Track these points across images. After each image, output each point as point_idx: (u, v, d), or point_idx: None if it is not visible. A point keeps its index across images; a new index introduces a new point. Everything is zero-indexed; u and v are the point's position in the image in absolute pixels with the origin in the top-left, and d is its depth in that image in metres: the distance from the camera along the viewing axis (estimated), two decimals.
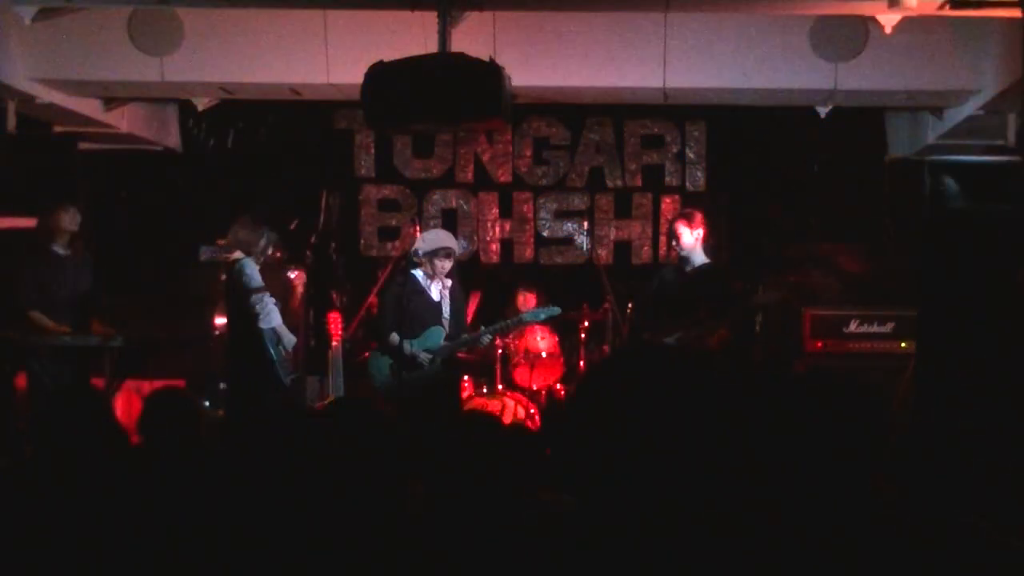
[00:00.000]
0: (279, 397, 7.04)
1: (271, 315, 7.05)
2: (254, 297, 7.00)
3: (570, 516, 1.76)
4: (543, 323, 7.87)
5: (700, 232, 7.21)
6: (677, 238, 7.26)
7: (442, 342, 7.17)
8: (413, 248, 7.34)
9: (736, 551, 1.71)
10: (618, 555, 1.65)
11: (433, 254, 7.12)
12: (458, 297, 7.36)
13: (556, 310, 7.57)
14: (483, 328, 7.48)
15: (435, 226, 9.43)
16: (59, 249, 7.04)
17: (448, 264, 7.17)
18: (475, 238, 9.55)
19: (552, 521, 1.96)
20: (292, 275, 7.37)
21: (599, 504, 1.67)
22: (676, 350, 1.83)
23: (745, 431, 1.87)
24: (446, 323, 7.22)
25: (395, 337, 6.99)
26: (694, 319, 7.12)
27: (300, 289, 7.38)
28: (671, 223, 7.60)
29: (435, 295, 7.20)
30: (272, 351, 7.05)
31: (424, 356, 7.07)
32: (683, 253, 7.23)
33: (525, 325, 7.77)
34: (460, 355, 7.62)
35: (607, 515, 1.66)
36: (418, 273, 7.19)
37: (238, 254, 7.16)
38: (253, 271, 7.07)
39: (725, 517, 1.72)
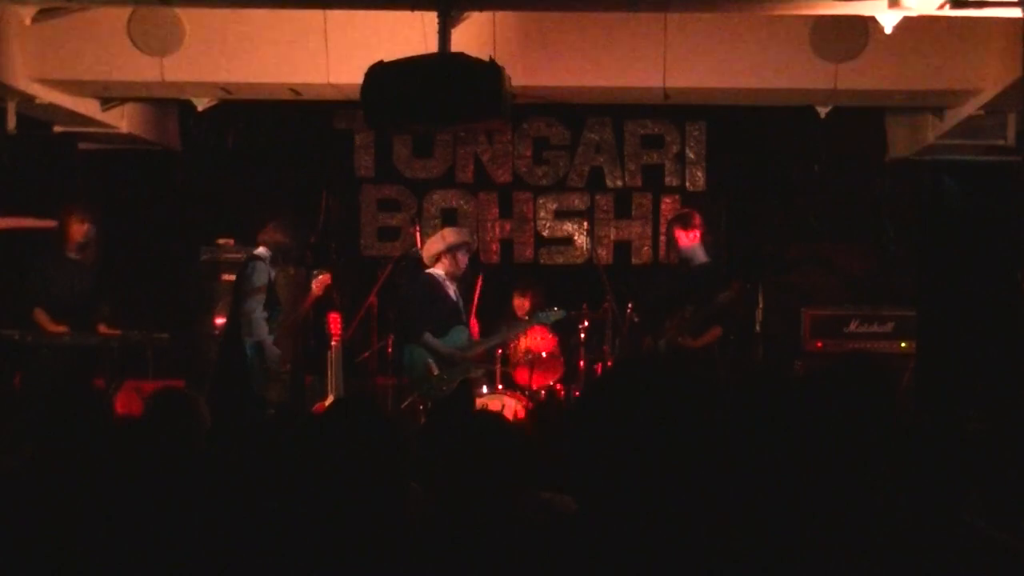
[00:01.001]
0: (250, 410, 6.95)
1: (258, 328, 6.96)
2: (249, 303, 6.92)
3: (570, 516, 1.76)
4: (552, 325, 7.91)
5: (696, 233, 7.28)
6: (675, 241, 7.33)
7: (467, 341, 7.23)
8: (422, 249, 7.33)
9: (737, 552, 1.72)
10: (619, 556, 1.65)
11: (456, 249, 7.16)
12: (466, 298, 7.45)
13: (563, 313, 7.63)
14: (504, 329, 7.62)
15: (436, 226, 9.45)
16: (69, 253, 7.14)
17: (466, 260, 7.20)
18: (475, 238, 9.54)
19: (553, 521, 1.96)
20: (315, 277, 7.32)
21: (601, 506, 1.67)
22: (675, 357, 1.83)
23: (740, 434, 1.87)
24: (466, 322, 7.29)
25: (429, 337, 7.03)
26: (681, 319, 7.17)
27: (317, 292, 7.34)
28: (668, 227, 7.65)
29: (453, 295, 7.23)
30: (249, 363, 6.94)
31: (460, 355, 7.13)
32: (683, 255, 7.29)
33: (538, 325, 7.82)
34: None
35: (608, 517, 1.66)
36: (437, 273, 7.20)
37: (262, 250, 7.02)
38: (261, 274, 6.98)
39: (726, 519, 1.73)
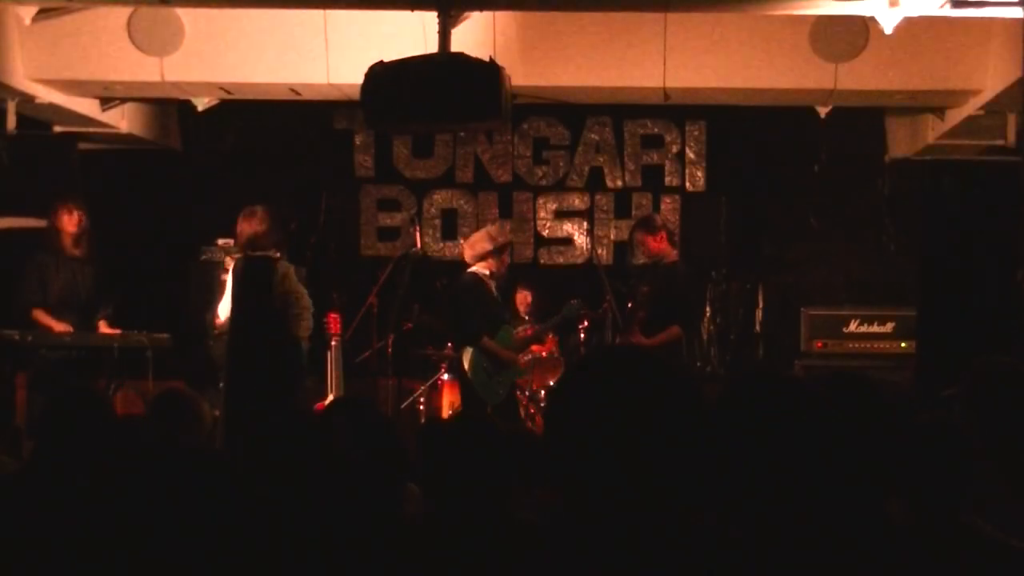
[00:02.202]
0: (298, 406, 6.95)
1: (310, 323, 6.88)
2: (304, 299, 6.79)
3: (564, 516, 1.76)
4: (581, 317, 7.96)
5: (663, 234, 7.35)
6: (645, 247, 7.36)
7: (513, 340, 7.34)
8: (464, 247, 7.45)
9: (735, 551, 1.72)
10: (610, 556, 1.65)
11: (503, 249, 7.19)
12: None
13: (582, 304, 7.73)
14: (542, 324, 7.77)
15: (436, 226, 9.48)
16: (65, 249, 7.06)
17: (509, 259, 7.30)
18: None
19: (553, 522, 1.96)
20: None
21: (585, 505, 1.66)
22: (639, 353, 1.83)
23: (736, 433, 1.87)
24: (510, 320, 7.43)
25: (487, 340, 7.08)
26: (635, 318, 7.24)
27: None
28: (631, 235, 7.68)
29: (496, 293, 7.29)
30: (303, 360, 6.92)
31: (512, 357, 7.24)
32: (653, 258, 7.34)
33: (570, 318, 7.88)
34: None
35: (593, 516, 1.66)
36: (481, 272, 7.20)
37: (253, 251, 6.90)
38: (286, 267, 6.89)
39: (724, 518, 1.72)
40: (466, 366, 7.14)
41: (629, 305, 7.85)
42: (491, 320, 7.16)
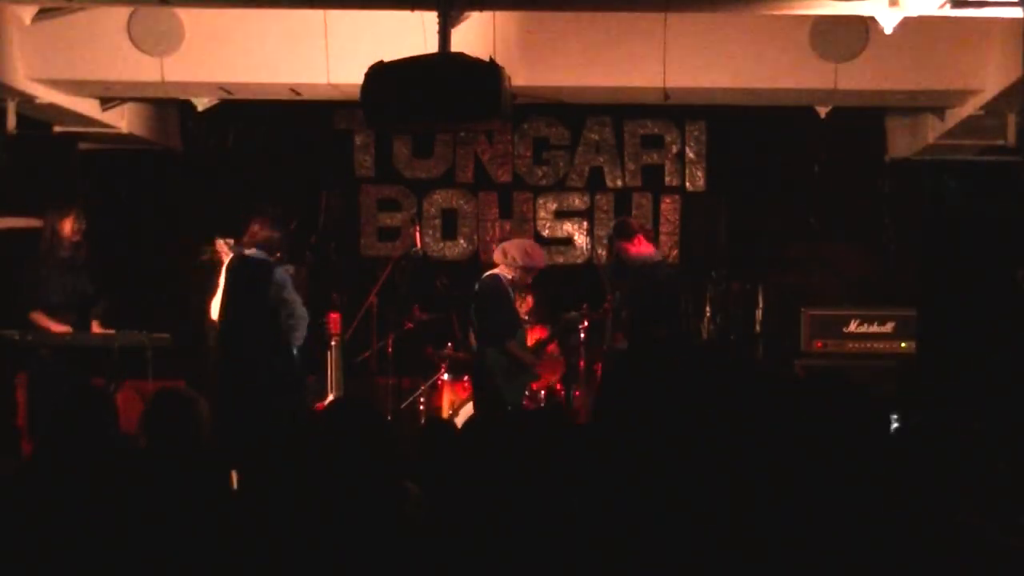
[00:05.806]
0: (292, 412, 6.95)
1: (304, 332, 6.91)
2: (299, 308, 6.82)
3: (569, 514, 1.76)
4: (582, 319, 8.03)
5: (639, 237, 7.41)
6: (625, 252, 7.39)
7: (526, 343, 7.48)
8: (496, 249, 7.58)
9: (737, 551, 1.72)
10: (618, 553, 1.65)
11: (530, 271, 7.32)
12: None
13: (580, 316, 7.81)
14: (553, 329, 7.86)
15: (436, 226, 9.47)
16: (62, 252, 7.05)
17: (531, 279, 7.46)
18: (475, 238, 9.56)
19: (554, 520, 1.96)
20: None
21: (598, 502, 1.67)
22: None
23: (737, 433, 1.87)
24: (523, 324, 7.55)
25: (513, 344, 7.25)
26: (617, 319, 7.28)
27: None
28: (609, 245, 7.71)
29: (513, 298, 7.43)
30: (300, 369, 6.95)
31: (531, 360, 7.39)
32: (635, 262, 7.36)
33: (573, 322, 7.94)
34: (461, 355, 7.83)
35: (607, 511, 1.66)
36: (503, 275, 7.33)
37: (256, 251, 6.92)
38: (284, 275, 6.92)
39: (724, 517, 1.73)
40: (489, 367, 7.21)
41: (605, 307, 7.87)
42: (512, 323, 7.30)
